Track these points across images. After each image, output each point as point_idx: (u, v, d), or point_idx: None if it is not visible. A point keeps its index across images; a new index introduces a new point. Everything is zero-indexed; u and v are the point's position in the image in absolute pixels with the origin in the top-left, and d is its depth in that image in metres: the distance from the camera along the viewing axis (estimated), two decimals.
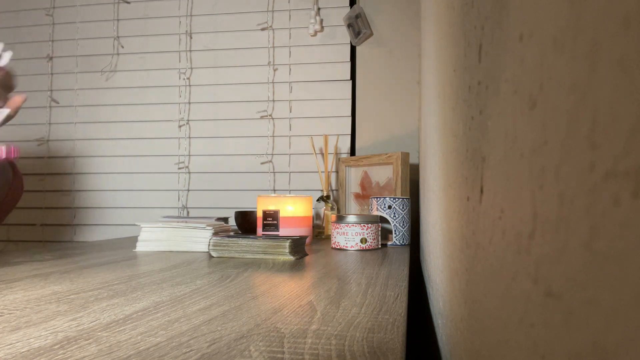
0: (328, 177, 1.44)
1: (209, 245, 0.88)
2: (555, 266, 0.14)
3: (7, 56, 0.85)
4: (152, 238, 0.97)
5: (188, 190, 1.63)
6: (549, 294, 0.14)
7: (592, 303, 0.11)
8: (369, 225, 1.00)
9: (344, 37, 1.55)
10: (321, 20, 1.55)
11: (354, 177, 1.46)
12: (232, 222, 1.47)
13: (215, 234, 0.97)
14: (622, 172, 0.10)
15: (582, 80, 0.12)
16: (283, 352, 0.32)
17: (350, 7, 1.53)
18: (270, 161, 1.58)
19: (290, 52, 1.59)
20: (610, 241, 0.10)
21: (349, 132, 1.54)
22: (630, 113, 0.10)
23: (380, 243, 1.04)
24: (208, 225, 0.97)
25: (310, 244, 1.11)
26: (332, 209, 1.37)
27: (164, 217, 1.29)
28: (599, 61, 0.11)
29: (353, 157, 1.43)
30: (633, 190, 0.09)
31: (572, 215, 0.13)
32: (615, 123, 0.10)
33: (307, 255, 0.90)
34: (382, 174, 1.37)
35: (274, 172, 1.58)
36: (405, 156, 1.30)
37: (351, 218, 1.00)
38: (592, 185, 0.11)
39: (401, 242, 1.11)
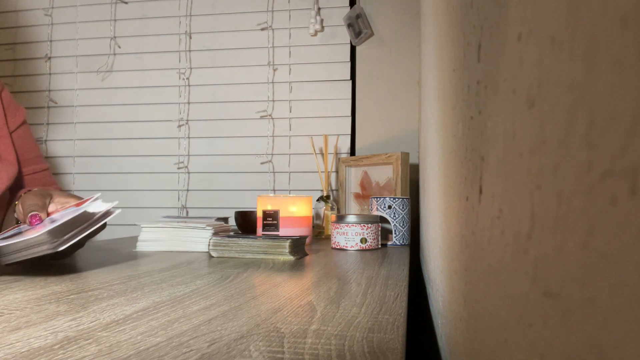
0: (328, 177, 1.44)
1: (209, 245, 0.88)
2: (554, 266, 0.14)
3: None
4: (152, 238, 0.97)
5: (188, 190, 1.62)
6: (547, 293, 0.14)
7: (590, 302, 0.11)
8: (369, 225, 1.00)
9: (344, 37, 1.55)
10: (322, 20, 1.55)
11: (354, 177, 1.46)
12: (232, 222, 1.47)
13: (215, 234, 0.97)
14: (619, 172, 0.10)
15: (580, 79, 0.12)
16: (283, 352, 0.32)
17: (350, 7, 1.53)
18: (270, 161, 1.58)
19: (290, 52, 1.59)
20: (608, 240, 0.10)
21: (349, 132, 1.54)
22: (627, 112, 0.10)
23: (380, 243, 1.04)
24: (208, 225, 0.97)
25: (310, 244, 1.11)
26: (332, 209, 1.37)
27: (164, 217, 1.29)
28: (597, 60, 0.11)
29: (353, 157, 1.43)
30: (630, 190, 0.09)
31: (570, 214, 0.13)
32: (613, 122, 0.10)
33: (307, 255, 0.90)
34: (382, 174, 1.37)
35: (274, 172, 1.58)
36: (405, 156, 1.30)
37: (351, 218, 1.00)
38: (589, 184, 0.11)
39: (401, 242, 1.11)
